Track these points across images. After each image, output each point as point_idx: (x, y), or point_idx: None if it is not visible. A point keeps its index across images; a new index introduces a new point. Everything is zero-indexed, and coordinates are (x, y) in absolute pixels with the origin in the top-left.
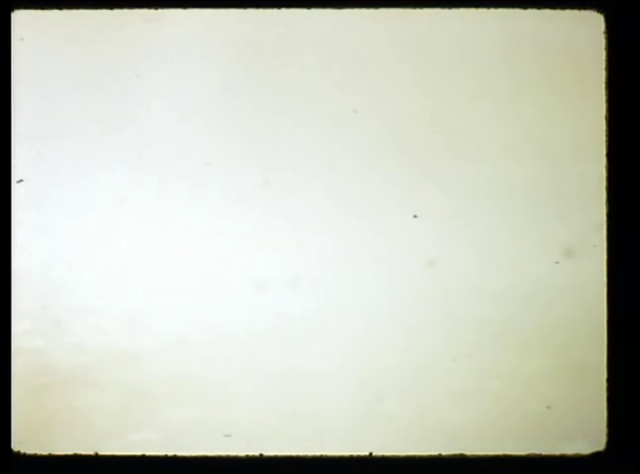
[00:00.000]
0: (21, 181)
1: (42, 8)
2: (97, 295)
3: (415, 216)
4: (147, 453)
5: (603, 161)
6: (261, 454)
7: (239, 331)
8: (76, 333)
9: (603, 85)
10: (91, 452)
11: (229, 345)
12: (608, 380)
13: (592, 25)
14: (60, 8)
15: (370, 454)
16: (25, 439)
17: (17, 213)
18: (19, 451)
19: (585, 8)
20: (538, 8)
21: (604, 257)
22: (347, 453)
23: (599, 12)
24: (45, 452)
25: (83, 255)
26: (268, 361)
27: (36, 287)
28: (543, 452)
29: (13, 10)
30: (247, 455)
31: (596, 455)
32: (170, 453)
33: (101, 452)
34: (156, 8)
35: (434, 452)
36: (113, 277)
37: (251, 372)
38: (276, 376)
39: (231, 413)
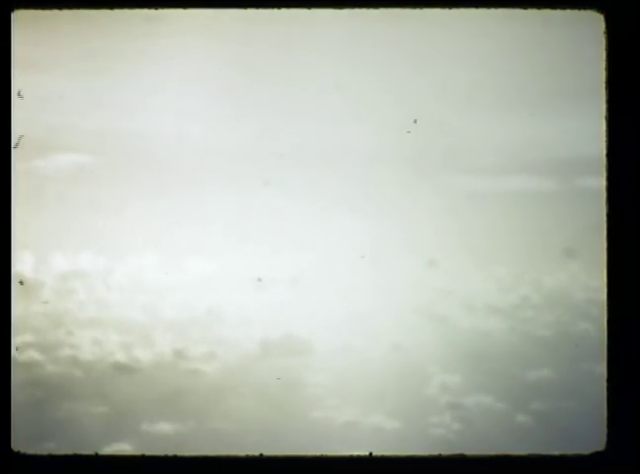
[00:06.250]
0: None
1: (42, 8)
2: (99, 308)
3: (414, 217)
4: (147, 453)
5: (604, 161)
6: (261, 454)
7: (237, 340)
8: (73, 346)
9: (603, 85)
10: (91, 452)
11: (227, 356)
12: (608, 381)
13: (592, 25)
14: (60, 8)
15: (370, 454)
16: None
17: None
18: (19, 451)
19: (585, 8)
20: (538, 8)
21: (605, 257)
22: (347, 453)
23: (599, 12)
24: (45, 452)
25: (88, 267)
26: (266, 366)
27: (41, 300)
28: (543, 452)
29: (13, 10)
30: (247, 455)
31: (596, 455)
32: (170, 453)
33: (101, 452)
34: (156, 8)
35: (434, 452)
36: (113, 290)
37: (248, 382)
38: (273, 381)
39: (224, 426)
